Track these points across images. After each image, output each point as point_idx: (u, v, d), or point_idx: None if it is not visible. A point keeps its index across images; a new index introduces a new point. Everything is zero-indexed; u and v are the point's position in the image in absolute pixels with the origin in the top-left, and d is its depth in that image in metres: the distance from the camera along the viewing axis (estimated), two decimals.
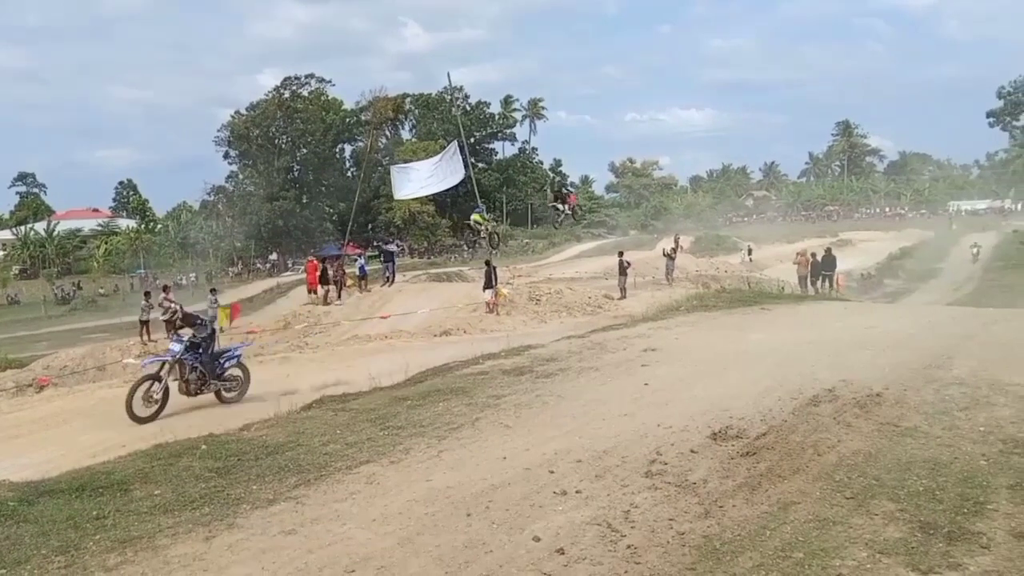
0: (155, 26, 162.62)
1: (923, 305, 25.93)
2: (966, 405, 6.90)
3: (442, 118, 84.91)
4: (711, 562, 4.14)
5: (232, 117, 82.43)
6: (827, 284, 26.55)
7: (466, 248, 45.80)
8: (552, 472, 5.62)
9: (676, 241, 42.14)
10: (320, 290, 28.07)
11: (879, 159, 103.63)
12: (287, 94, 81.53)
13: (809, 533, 4.41)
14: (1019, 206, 75.36)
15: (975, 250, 43.96)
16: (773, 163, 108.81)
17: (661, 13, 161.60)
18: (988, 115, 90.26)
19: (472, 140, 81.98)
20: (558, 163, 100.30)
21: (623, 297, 24.31)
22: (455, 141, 23.61)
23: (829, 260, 27.07)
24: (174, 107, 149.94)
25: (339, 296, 27.85)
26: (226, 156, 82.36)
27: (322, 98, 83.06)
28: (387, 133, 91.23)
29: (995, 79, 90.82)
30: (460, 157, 23.26)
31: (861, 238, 60.00)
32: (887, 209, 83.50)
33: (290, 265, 73.21)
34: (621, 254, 28.06)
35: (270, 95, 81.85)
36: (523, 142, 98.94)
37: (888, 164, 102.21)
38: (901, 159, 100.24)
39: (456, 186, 24.47)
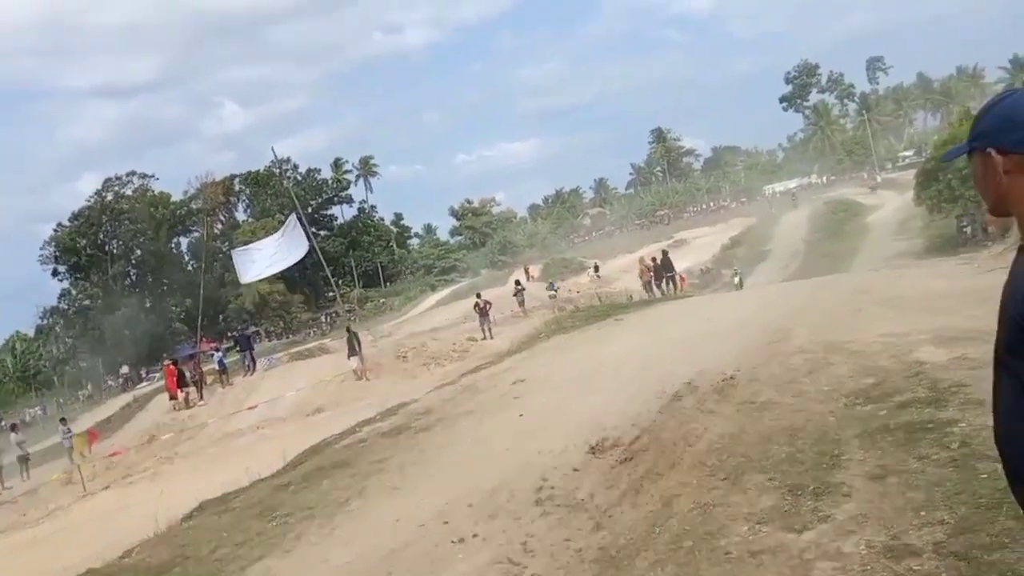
0: None
1: (758, 286, 27.83)
2: (809, 370, 7.50)
3: (275, 193, 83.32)
4: (612, 571, 4.32)
5: (55, 231, 77.86)
6: (670, 285, 28.02)
7: (324, 320, 44.88)
8: (447, 523, 5.67)
9: (526, 271, 43.00)
10: (180, 394, 26.67)
11: (695, 158, 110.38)
12: (110, 196, 78.03)
13: (694, 520, 4.69)
14: (824, 179, 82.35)
15: (794, 198, 46.82)
16: (602, 179, 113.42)
17: (468, 52, 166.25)
18: (780, 100, 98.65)
19: (309, 209, 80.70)
20: (399, 217, 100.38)
21: (489, 337, 24.57)
22: (293, 214, 23.49)
23: (667, 262, 28.67)
24: None
25: (201, 396, 26.58)
26: (55, 274, 77.51)
27: (148, 194, 79.87)
28: (222, 218, 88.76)
29: (780, 68, 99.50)
30: (301, 229, 22.95)
31: (694, 236, 63.38)
32: (711, 204, 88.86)
33: (144, 375, 68.91)
34: (478, 295, 28.42)
35: (92, 200, 78.23)
36: (361, 202, 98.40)
37: (704, 161, 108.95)
38: (714, 155, 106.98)
39: (303, 259, 24.06)
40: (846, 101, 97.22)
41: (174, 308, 75.13)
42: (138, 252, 78.73)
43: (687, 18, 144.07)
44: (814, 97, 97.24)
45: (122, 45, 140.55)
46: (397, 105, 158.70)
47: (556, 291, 40.55)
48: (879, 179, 69.10)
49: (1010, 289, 1.61)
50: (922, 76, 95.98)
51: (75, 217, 77.39)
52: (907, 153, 79.70)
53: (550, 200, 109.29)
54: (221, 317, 76.38)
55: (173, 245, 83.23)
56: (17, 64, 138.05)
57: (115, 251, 77.71)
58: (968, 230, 31.65)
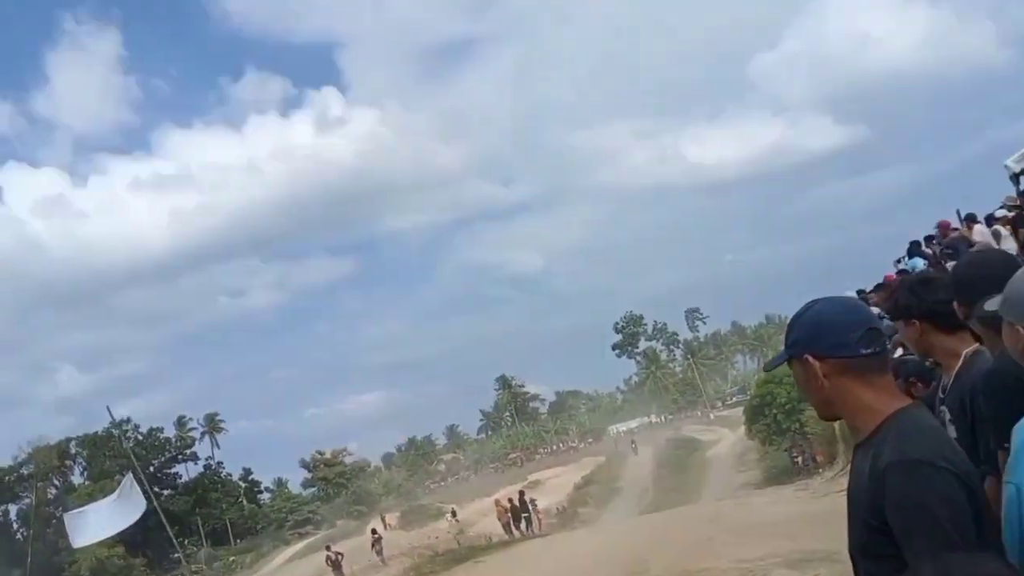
0: None
1: (613, 522, 28.23)
2: None
3: (114, 454, 78.73)
4: None
5: None
6: (528, 525, 27.99)
7: None
8: None
9: (383, 520, 41.77)
10: None
11: (541, 403, 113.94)
12: None
13: None
14: (663, 418, 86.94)
15: (633, 445, 48.87)
16: (453, 425, 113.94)
17: (315, 313, 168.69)
18: (613, 347, 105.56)
19: (151, 468, 78.03)
20: (248, 472, 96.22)
21: None
22: (129, 474, 22.19)
23: (523, 503, 28.90)
24: None
25: None
26: None
27: None
28: (56, 483, 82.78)
29: (608, 318, 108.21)
30: (138, 488, 21.51)
31: (547, 476, 63.90)
32: (560, 445, 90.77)
33: None
34: (327, 548, 27.18)
35: None
36: (207, 459, 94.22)
37: (550, 405, 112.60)
38: (559, 399, 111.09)
39: (143, 520, 22.29)
40: (672, 347, 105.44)
41: None
42: None
43: (520, 276, 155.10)
44: (643, 344, 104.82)
45: None
46: (244, 363, 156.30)
47: (457, 519, 40.48)
48: (712, 416, 73.82)
49: (853, 488, 1.71)
50: (736, 324, 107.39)
51: None
52: (733, 390, 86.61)
53: (403, 448, 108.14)
54: None
55: (0, 514, 76.88)
56: None
57: None
58: (799, 460, 34.28)
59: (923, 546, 1.49)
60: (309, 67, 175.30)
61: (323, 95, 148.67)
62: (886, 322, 3.93)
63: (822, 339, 1.70)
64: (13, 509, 78.87)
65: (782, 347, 1.82)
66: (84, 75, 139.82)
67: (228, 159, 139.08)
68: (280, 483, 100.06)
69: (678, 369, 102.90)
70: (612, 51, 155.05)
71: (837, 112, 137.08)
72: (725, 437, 53.14)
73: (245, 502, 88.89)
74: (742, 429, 40.28)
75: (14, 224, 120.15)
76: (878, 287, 11.94)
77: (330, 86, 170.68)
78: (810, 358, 1.70)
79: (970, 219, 12.00)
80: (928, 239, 12.84)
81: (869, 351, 1.68)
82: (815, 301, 1.78)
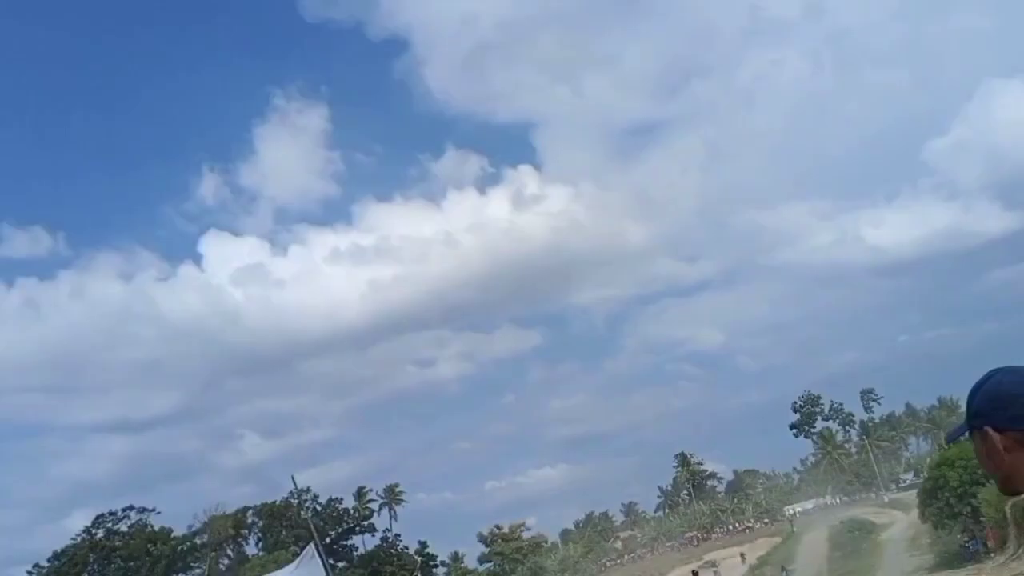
0: None
1: None
2: None
3: (291, 524, 77.64)
4: None
5: (29, 574, 69.23)
6: None
7: None
8: None
9: None
10: None
11: (718, 481, 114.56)
12: (100, 533, 71.77)
13: None
14: (838, 499, 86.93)
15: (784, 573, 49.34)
16: (631, 503, 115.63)
17: (502, 385, 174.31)
18: (790, 427, 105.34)
19: (328, 540, 75.43)
20: (424, 545, 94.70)
21: None
22: (311, 544, 21.57)
23: None
24: None
25: None
26: None
27: (146, 529, 73.49)
28: (229, 553, 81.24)
29: (787, 397, 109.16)
30: (318, 559, 20.62)
31: (723, 556, 66.43)
32: (736, 524, 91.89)
33: None
34: None
35: (79, 538, 71.02)
36: (384, 531, 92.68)
37: (727, 484, 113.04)
38: (736, 477, 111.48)
39: None
40: (847, 428, 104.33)
41: None
42: None
43: (701, 353, 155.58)
44: (819, 424, 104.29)
45: (141, 381, 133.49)
46: (427, 434, 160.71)
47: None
48: (886, 499, 73.80)
49: None
50: (909, 406, 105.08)
51: (56, 557, 69.56)
52: (906, 476, 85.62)
53: (581, 524, 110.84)
54: None
55: None
56: (18, 399, 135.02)
57: None
58: (970, 546, 36.33)
59: None
60: (507, 146, 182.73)
61: (519, 173, 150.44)
62: None
63: (1003, 410, 1.62)
64: None
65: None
66: (290, 149, 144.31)
67: (426, 232, 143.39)
68: (456, 557, 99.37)
69: (853, 450, 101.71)
70: (793, 136, 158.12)
71: (1005, 198, 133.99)
72: (898, 520, 54.11)
73: None
74: (915, 512, 41.21)
75: (213, 292, 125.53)
76: None
77: (526, 164, 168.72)
78: (990, 430, 1.62)
79: None
80: None
81: None
82: (996, 371, 1.70)
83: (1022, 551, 30.56)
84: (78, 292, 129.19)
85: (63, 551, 70.44)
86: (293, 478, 71.31)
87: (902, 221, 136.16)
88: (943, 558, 36.38)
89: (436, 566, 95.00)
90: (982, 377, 1.71)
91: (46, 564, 69.88)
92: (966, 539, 36.83)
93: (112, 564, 70.41)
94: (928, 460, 63.00)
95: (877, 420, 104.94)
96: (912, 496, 48.13)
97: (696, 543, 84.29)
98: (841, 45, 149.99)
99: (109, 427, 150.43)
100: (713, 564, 62.61)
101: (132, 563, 70.10)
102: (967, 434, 1.73)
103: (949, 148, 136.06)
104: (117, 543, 71.01)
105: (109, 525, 73.04)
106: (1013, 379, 1.65)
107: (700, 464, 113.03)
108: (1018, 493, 1.68)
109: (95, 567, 70.58)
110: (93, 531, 72.37)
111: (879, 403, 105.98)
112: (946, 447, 36.72)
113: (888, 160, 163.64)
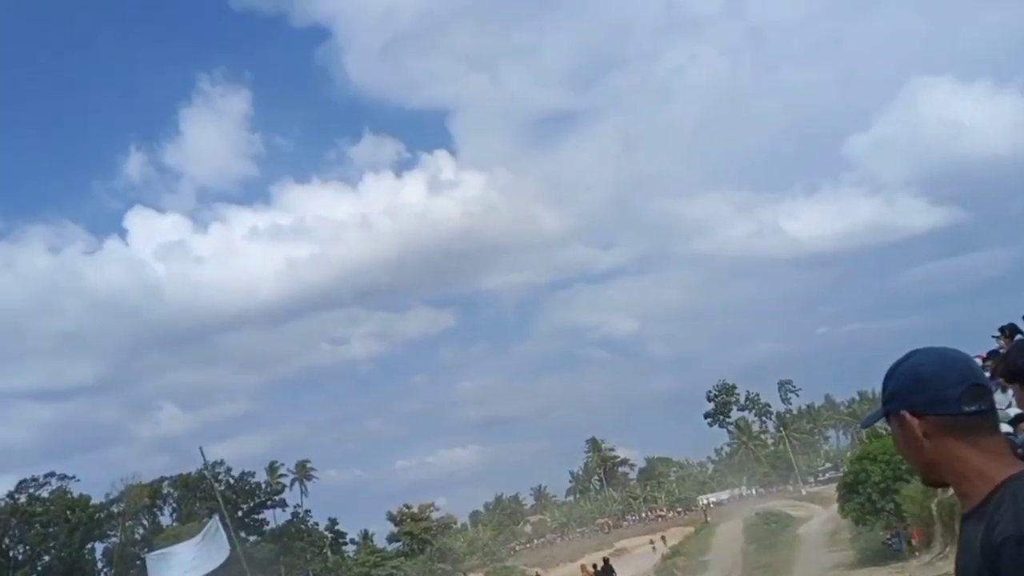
0: None
1: None
2: None
3: (205, 496, 79.82)
4: None
5: None
6: None
7: None
8: None
9: None
10: None
11: (630, 467, 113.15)
12: (23, 498, 73.23)
13: None
14: (754, 491, 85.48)
15: None
16: (541, 486, 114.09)
17: (411, 366, 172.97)
18: (705, 416, 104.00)
19: (240, 513, 78.43)
20: (334, 522, 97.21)
21: None
22: (215, 517, 22.19)
23: (607, 570, 29.72)
24: None
25: None
26: None
27: (66, 496, 75.20)
28: (144, 523, 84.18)
29: (701, 386, 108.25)
30: (224, 533, 20.93)
31: (634, 544, 64.05)
32: (649, 513, 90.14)
33: None
34: None
35: (2, 503, 72.78)
36: (296, 506, 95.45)
37: (639, 471, 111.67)
38: (648, 465, 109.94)
39: (226, 565, 22.74)
40: (764, 419, 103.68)
41: None
42: (46, 558, 73.00)
43: (614, 339, 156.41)
44: (735, 414, 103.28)
45: (65, 351, 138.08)
46: (339, 411, 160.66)
47: None
48: (804, 492, 72.46)
49: (962, 563, 1.52)
50: (829, 398, 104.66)
51: None
52: (826, 466, 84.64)
53: (490, 506, 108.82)
54: None
55: (87, 551, 77.56)
56: None
57: (19, 556, 72.11)
58: (893, 543, 33.98)
59: None
60: (424, 132, 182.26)
61: (435, 158, 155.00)
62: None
63: (920, 393, 1.53)
64: (99, 547, 79.64)
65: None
66: (213, 130, 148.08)
67: (342, 214, 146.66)
68: (366, 535, 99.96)
69: (770, 441, 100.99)
70: (710, 129, 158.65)
71: (931, 194, 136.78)
72: (817, 514, 52.45)
73: (330, 553, 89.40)
74: (834, 506, 39.91)
75: (136, 266, 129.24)
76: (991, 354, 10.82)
77: (442, 150, 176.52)
78: (907, 415, 1.54)
79: None
80: None
81: (973, 409, 1.50)
82: (915, 352, 1.61)
83: (948, 550, 28.43)
84: (9, 263, 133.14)
85: None
86: (202, 450, 71.97)
87: (823, 214, 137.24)
88: (865, 555, 34.29)
89: (345, 544, 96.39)
90: (900, 357, 1.62)
91: None
92: (889, 536, 34.78)
93: (31, 529, 72.39)
94: (848, 454, 61.57)
95: (795, 412, 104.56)
96: (831, 490, 46.86)
97: (607, 530, 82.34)
98: (762, 41, 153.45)
99: (32, 395, 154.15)
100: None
101: (51, 528, 72.34)
102: (884, 419, 1.61)
103: (871, 144, 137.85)
104: (38, 508, 72.78)
105: (31, 491, 74.85)
106: (931, 359, 1.57)
107: (612, 450, 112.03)
108: (941, 484, 1.59)
109: (16, 531, 72.45)
110: (16, 496, 74.00)
111: (797, 395, 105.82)
112: (860, 432, 35.17)
113: (808, 155, 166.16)
